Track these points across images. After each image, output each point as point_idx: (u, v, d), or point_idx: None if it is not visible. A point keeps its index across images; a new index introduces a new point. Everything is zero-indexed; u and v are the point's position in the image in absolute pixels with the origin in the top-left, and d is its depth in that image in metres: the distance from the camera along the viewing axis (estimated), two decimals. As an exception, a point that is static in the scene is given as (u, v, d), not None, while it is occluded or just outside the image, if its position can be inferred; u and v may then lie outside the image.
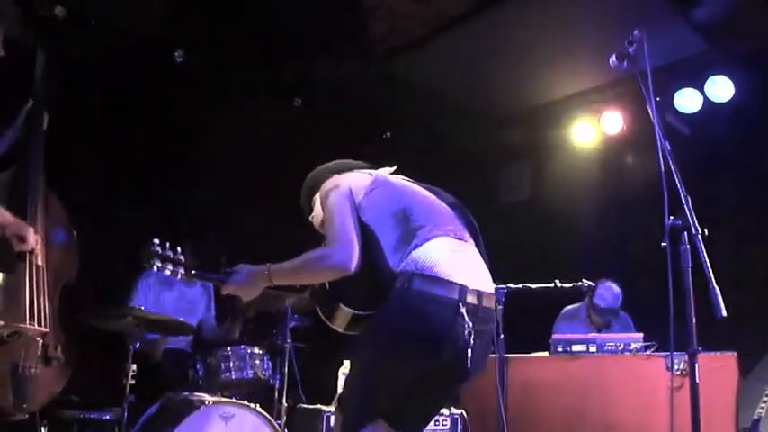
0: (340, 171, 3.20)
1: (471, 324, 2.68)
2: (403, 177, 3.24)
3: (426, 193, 3.14)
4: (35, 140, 4.12)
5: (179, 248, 3.06)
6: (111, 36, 5.48)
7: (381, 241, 2.87)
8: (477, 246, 3.01)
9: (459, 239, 2.92)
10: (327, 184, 3.08)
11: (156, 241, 3.02)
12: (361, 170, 3.22)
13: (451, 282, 2.72)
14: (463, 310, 2.68)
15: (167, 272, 3.03)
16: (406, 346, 2.71)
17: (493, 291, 2.88)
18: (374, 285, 2.81)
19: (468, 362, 2.68)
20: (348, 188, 3.00)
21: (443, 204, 3.10)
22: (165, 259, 3.02)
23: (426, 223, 2.89)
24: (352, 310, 2.93)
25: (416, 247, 2.79)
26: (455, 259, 2.80)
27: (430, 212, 2.98)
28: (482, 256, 2.98)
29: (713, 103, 6.54)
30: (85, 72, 5.20)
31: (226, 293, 3.08)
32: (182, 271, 3.05)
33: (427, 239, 2.83)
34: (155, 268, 3.00)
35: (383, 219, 2.92)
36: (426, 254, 2.78)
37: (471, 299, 2.73)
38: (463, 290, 2.72)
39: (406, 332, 2.71)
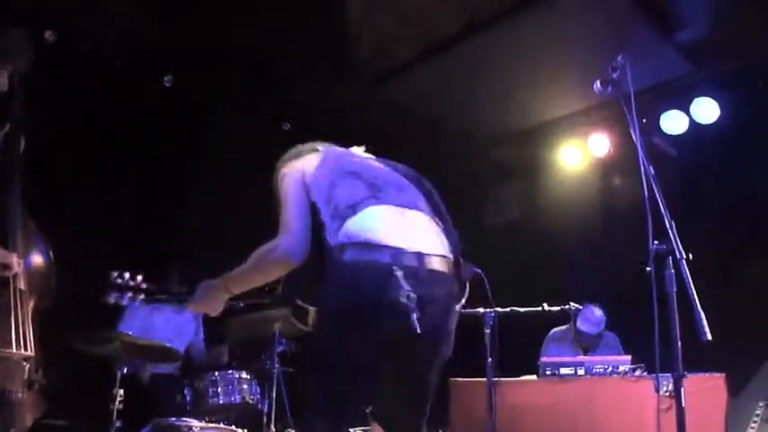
0: (298, 156, 3.01)
1: (411, 287, 2.46)
2: (364, 152, 3.11)
3: (377, 164, 2.97)
4: (11, 164, 4.11)
5: (139, 276, 3.07)
6: (100, 60, 5.49)
7: (324, 219, 2.73)
8: (440, 217, 2.83)
9: (405, 207, 2.73)
10: (280, 172, 2.93)
11: (114, 273, 3.02)
12: (318, 150, 3.04)
13: (383, 245, 2.53)
14: (399, 273, 2.47)
15: (125, 301, 3.01)
16: (347, 324, 2.51)
17: (448, 254, 2.68)
18: (320, 270, 2.68)
19: (416, 326, 2.43)
20: (301, 171, 2.87)
21: (397, 175, 2.92)
22: (122, 288, 3.00)
23: (367, 193, 2.71)
24: (312, 306, 2.84)
25: (350, 217, 2.64)
26: (393, 225, 2.63)
27: (375, 182, 2.78)
28: (443, 228, 2.80)
29: (699, 124, 6.59)
30: (74, 96, 5.21)
31: (193, 311, 3.05)
32: (141, 297, 3.03)
33: (365, 208, 2.66)
34: (111, 300, 2.99)
35: (325, 194, 2.77)
36: (361, 222, 2.62)
37: (409, 261, 2.52)
38: (398, 252, 2.52)
39: (342, 309, 2.53)
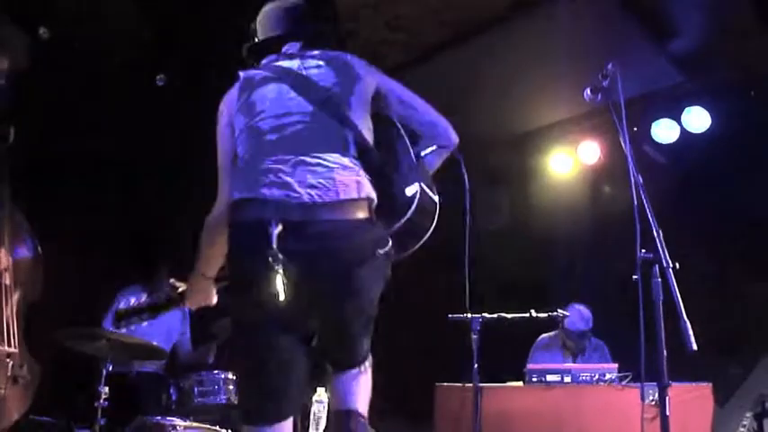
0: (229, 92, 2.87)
1: (291, 244, 2.34)
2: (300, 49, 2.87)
3: (287, 95, 2.66)
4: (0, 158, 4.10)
5: (143, 296, 3.15)
6: (93, 58, 5.48)
7: None
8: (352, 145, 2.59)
9: (294, 154, 2.50)
10: None
11: (120, 304, 3.24)
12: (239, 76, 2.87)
13: (257, 199, 2.42)
14: (274, 231, 2.33)
15: (134, 325, 3.06)
16: (236, 300, 2.48)
17: (341, 198, 2.44)
18: None
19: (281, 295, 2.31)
20: (223, 113, 2.80)
21: (303, 106, 2.62)
22: (131, 315, 3.06)
23: (258, 141, 2.57)
24: None
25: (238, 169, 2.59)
26: (273, 167, 2.46)
27: (272, 126, 2.59)
28: (352, 158, 2.56)
29: (690, 133, 6.61)
30: (65, 92, 5.20)
31: (195, 309, 3.06)
32: (147, 316, 3.08)
33: (248, 157, 2.56)
34: (123, 330, 3.23)
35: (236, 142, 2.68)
36: (243, 172, 2.54)
37: (290, 215, 2.38)
38: (269, 207, 2.39)
39: (231, 283, 2.53)
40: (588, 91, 3.34)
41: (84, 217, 5.62)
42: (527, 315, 4.87)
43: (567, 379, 4.91)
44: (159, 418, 4.38)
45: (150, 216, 6.03)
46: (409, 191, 2.70)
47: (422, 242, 2.87)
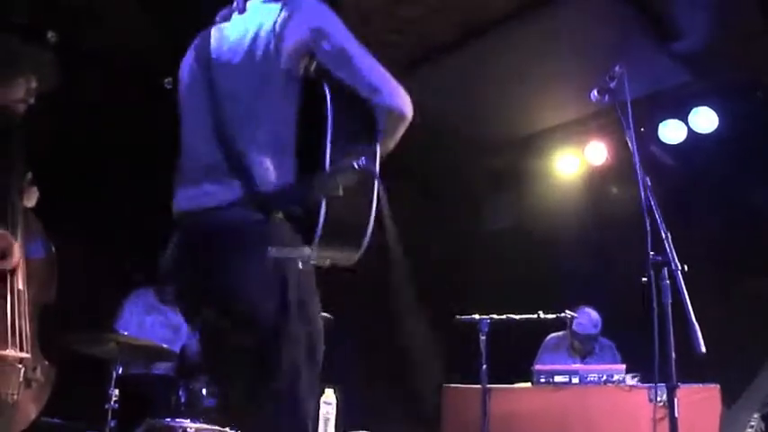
0: None
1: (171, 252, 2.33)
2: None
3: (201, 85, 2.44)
4: (13, 157, 4.10)
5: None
6: (101, 61, 5.50)
7: None
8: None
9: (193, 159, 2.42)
10: None
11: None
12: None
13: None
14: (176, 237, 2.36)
15: None
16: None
17: (211, 196, 2.27)
18: None
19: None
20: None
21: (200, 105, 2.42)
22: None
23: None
24: None
25: None
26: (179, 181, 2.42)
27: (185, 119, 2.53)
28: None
29: (698, 134, 6.60)
30: (73, 95, 5.21)
31: None
32: None
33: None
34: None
35: None
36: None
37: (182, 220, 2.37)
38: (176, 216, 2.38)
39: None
40: (595, 92, 3.35)
41: (92, 218, 5.64)
42: (535, 316, 4.87)
43: (575, 380, 4.91)
44: (169, 419, 4.40)
45: (159, 218, 6.04)
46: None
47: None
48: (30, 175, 4.14)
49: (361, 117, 2.31)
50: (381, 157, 2.40)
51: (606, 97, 3.32)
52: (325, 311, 4.55)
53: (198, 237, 2.29)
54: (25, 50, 3.69)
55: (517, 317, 4.85)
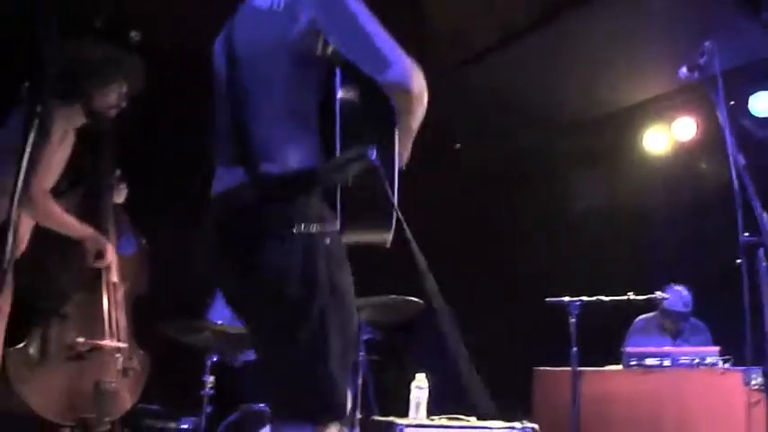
0: None
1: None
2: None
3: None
4: (102, 156, 4.24)
5: None
6: (182, 59, 5.60)
7: None
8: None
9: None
10: None
11: None
12: None
13: None
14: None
15: None
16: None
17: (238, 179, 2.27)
18: None
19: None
20: None
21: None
22: None
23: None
24: None
25: None
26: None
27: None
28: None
29: (790, 105, 6.40)
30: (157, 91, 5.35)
31: None
32: None
33: None
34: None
35: None
36: None
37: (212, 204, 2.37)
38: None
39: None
40: (684, 69, 3.30)
41: (183, 210, 5.77)
42: (625, 298, 4.81)
43: (667, 362, 4.83)
44: (263, 405, 4.50)
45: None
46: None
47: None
48: (118, 173, 4.28)
49: (378, 100, 2.25)
50: (407, 138, 2.40)
51: (696, 74, 3.26)
52: (415, 297, 4.63)
53: (219, 220, 2.32)
54: (117, 57, 3.80)
55: (607, 299, 4.79)
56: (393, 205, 2.29)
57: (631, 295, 4.81)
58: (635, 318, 6.11)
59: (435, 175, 7.13)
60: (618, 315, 5.45)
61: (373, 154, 2.16)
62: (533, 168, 7.66)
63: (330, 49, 2.29)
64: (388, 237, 2.37)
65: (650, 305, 5.44)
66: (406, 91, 2.21)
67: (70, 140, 3.57)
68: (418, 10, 5.75)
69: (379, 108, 2.26)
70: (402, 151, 2.40)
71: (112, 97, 3.80)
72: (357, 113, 2.27)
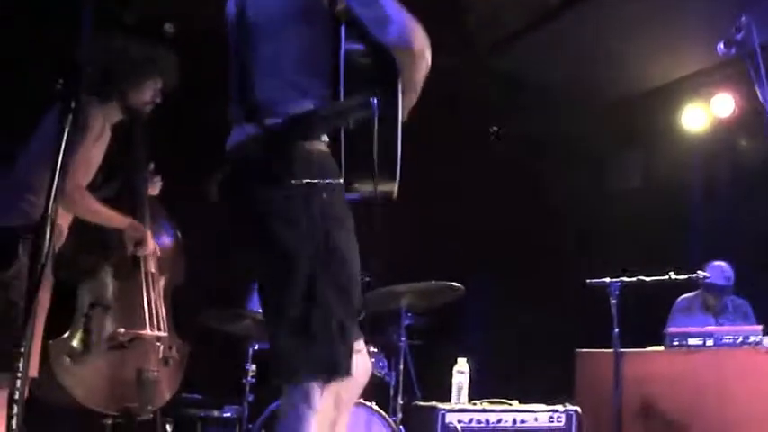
0: None
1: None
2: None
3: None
4: (138, 148, 4.27)
5: None
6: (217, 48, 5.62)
7: None
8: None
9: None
10: None
11: None
12: None
13: None
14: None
15: None
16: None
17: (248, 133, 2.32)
18: None
19: None
20: None
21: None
22: None
23: None
24: None
25: None
26: None
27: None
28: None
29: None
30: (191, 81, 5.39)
31: None
32: None
33: None
34: None
35: None
36: None
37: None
38: None
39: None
40: (721, 45, 3.26)
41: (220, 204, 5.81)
42: (666, 278, 4.76)
43: (709, 342, 4.78)
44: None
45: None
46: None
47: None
48: (152, 165, 4.32)
49: (382, 54, 2.30)
50: (410, 93, 2.42)
51: (733, 50, 3.22)
52: (457, 282, 4.63)
53: (228, 174, 2.38)
54: (151, 54, 3.84)
55: (648, 279, 4.74)
56: (397, 155, 2.33)
57: (672, 275, 4.76)
58: (676, 297, 6.06)
59: (473, 158, 7.12)
60: (659, 295, 5.40)
61: (375, 102, 2.22)
62: (571, 149, 7.60)
63: (337, 4, 2.33)
64: (394, 186, 2.38)
65: (692, 284, 5.38)
66: (407, 47, 2.28)
67: (107, 137, 3.62)
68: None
69: (382, 62, 2.31)
70: (407, 105, 2.43)
71: (148, 94, 3.86)
72: (361, 66, 2.32)
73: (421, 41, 2.29)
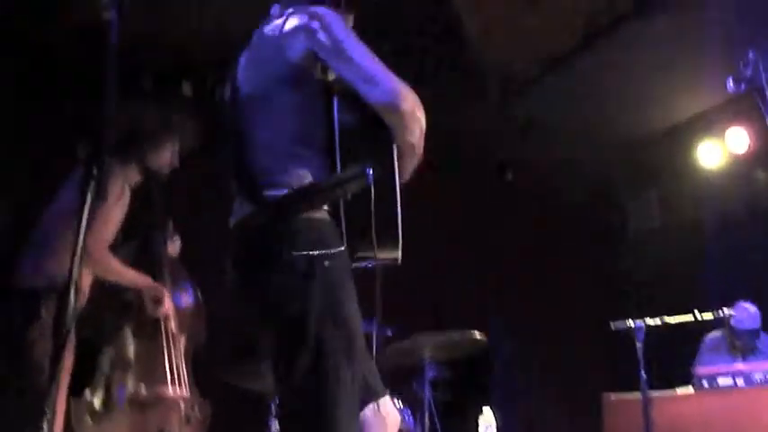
0: None
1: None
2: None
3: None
4: (162, 209, 4.31)
5: None
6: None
7: None
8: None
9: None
10: None
11: None
12: None
13: None
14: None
15: None
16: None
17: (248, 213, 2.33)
18: None
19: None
20: None
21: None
22: None
23: None
24: None
25: None
26: None
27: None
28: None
29: None
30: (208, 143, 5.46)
31: None
32: None
33: None
34: None
35: None
36: None
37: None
38: None
39: None
40: (730, 82, 3.27)
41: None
42: (691, 317, 4.70)
43: (740, 381, 4.70)
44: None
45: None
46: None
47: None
48: (171, 225, 4.36)
49: (376, 121, 2.30)
50: (409, 155, 2.42)
51: (743, 85, 3.23)
52: (479, 329, 4.60)
53: (233, 250, 2.37)
54: (170, 118, 3.92)
55: (672, 320, 4.69)
56: (397, 221, 2.32)
57: (697, 314, 4.71)
58: (702, 335, 5.99)
59: (490, 204, 7.13)
60: (686, 335, 5.34)
61: (370, 172, 2.21)
62: (589, 190, 7.61)
63: (329, 74, 2.36)
64: (398, 253, 2.37)
65: (717, 322, 5.31)
66: (395, 108, 2.26)
67: (127, 198, 3.68)
68: (467, 47, 5.81)
69: (376, 130, 2.32)
70: (407, 167, 2.44)
71: (166, 156, 3.94)
72: (356, 134, 2.34)
73: (410, 103, 2.28)
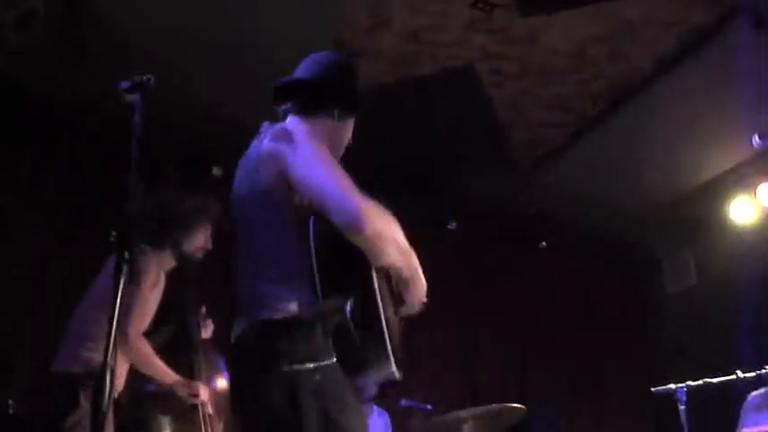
0: None
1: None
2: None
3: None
4: (190, 294, 4.35)
5: None
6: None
7: None
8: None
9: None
10: None
11: None
12: None
13: None
14: None
15: None
16: None
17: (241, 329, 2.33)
18: None
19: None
20: None
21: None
22: None
23: None
24: None
25: None
26: None
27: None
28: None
29: None
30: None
31: None
32: None
33: None
34: None
35: None
36: None
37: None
38: None
39: None
40: (756, 137, 3.28)
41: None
42: (734, 377, 4.60)
43: (788, 439, 4.58)
44: None
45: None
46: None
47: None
48: (204, 309, 4.39)
49: (353, 251, 2.23)
50: (401, 280, 2.39)
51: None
52: (521, 401, 4.54)
53: (230, 367, 2.45)
54: (202, 204, 4.00)
55: (715, 381, 4.59)
56: (385, 343, 2.26)
57: (739, 373, 4.61)
58: (744, 396, 5.86)
59: (524, 273, 7.11)
60: (726, 395, 5.22)
61: (348, 307, 2.19)
62: (622, 256, 7.58)
63: (305, 199, 2.30)
64: (394, 373, 2.32)
65: (760, 380, 5.20)
66: (357, 232, 2.15)
67: (162, 284, 3.74)
68: (496, 123, 5.93)
69: (353, 251, 2.23)
70: (411, 293, 2.43)
71: (200, 241, 4.01)
72: (337, 257, 2.25)
73: (372, 224, 2.15)
